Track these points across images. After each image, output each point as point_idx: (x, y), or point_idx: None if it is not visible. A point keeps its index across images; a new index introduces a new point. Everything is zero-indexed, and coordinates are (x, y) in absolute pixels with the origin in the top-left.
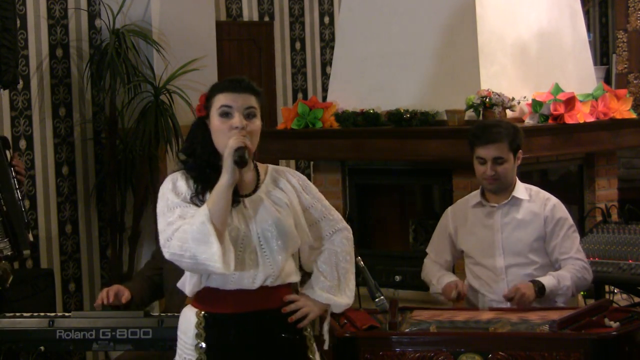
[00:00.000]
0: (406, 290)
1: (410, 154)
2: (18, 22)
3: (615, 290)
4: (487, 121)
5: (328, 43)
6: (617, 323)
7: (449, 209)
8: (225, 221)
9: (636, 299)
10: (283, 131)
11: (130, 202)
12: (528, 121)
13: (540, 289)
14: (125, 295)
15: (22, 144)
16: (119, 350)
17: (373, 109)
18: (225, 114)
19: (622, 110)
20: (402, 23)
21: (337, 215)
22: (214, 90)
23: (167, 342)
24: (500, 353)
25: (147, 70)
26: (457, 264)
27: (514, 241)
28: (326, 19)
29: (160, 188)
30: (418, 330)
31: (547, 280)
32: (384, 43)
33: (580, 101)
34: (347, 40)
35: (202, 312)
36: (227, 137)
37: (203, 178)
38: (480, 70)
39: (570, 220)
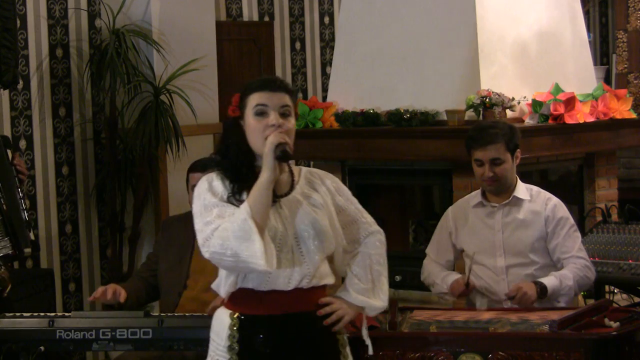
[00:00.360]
0: (406, 290)
1: (410, 154)
2: (18, 22)
3: (615, 290)
4: (483, 123)
5: (328, 43)
6: (617, 323)
7: (450, 209)
8: (266, 218)
9: (636, 299)
10: None
11: (130, 202)
12: (528, 121)
13: (542, 289)
14: (122, 294)
15: (22, 144)
16: (119, 350)
17: (373, 109)
18: (261, 113)
19: (622, 110)
20: (402, 23)
21: (370, 218)
22: (248, 89)
23: (167, 342)
24: (500, 353)
25: (147, 70)
26: (458, 265)
27: (514, 241)
28: (326, 19)
29: (196, 189)
30: (418, 331)
31: (549, 280)
32: (383, 43)
33: (580, 101)
34: (347, 41)
35: (236, 314)
36: (262, 136)
37: (239, 178)
38: (480, 70)
39: (572, 220)
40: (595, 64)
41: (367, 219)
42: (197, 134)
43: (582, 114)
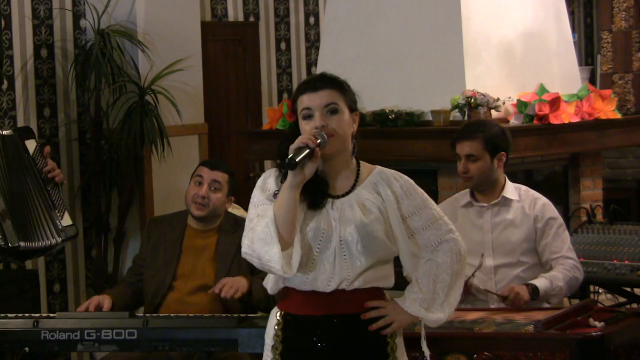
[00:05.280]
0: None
1: (396, 154)
2: (2, 22)
3: (600, 290)
4: (474, 120)
5: (313, 43)
6: (602, 323)
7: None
8: (292, 223)
9: (621, 299)
10: (268, 131)
11: (115, 202)
12: (513, 121)
13: (534, 290)
14: (106, 304)
15: None
16: (103, 351)
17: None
18: (308, 116)
19: (607, 110)
20: (388, 23)
21: (446, 226)
22: (296, 93)
23: (152, 342)
24: (486, 353)
25: (132, 70)
26: None
27: (503, 241)
28: (311, 20)
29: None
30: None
31: (540, 282)
32: (369, 43)
33: (565, 101)
34: (332, 41)
35: (282, 312)
36: None
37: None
38: (466, 70)
39: (560, 220)
40: (580, 64)
41: (441, 226)
42: (182, 135)
43: (567, 115)
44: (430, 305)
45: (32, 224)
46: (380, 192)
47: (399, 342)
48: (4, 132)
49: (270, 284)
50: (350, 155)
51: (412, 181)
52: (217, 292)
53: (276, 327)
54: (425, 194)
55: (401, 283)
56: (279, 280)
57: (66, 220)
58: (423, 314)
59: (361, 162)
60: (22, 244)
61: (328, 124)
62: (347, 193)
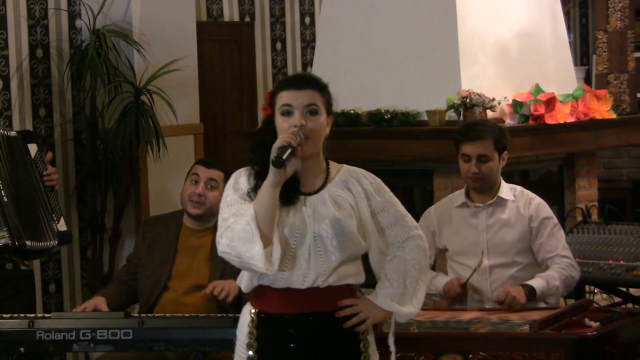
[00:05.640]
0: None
1: (391, 155)
2: None
3: (596, 290)
4: (474, 120)
5: (309, 43)
6: (598, 323)
7: (432, 208)
8: (272, 220)
9: (616, 299)
10: None
11: (110, 202)
12: (508, 121)
13: (530, 291)
14: (102, 308)
15: None
16: (99, 351)
17: (354, 110)
18: (287, 113)
19: (602, 110)
20: (383, 23)
21: (411, 222)
22: (278, 88)
23: (148, 342)
24: (481, 353)
25: (127, 70)
26: (439, 264)
27: (499, 241)
28: (307, 20)
29: (227, 182)
30: (399, 331)
31: (537, 282)
32: (364, 43)
33: (561, 101)
34: (328, 41)
35: (256, 310)
36: None
37: (264, 173)
38: (461, 70)
39: (555, 219)
40: (575, 64)
41: (407, 223)
42: (177, 135)
43: (563, 115)
44: (401, 299)
45: (37, 224)
46: (350, 188)
47: (371, 339)
48: (9, 133)
49: (244, 283)
50: (321, 156)
51: (379, 180)
52: (208, 293)
53: (250, 325)
54: (391, 192)
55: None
56: (254, 279)
57: (62, 226)
58: (396, 308)
59: (330, 161)
60: (28, 243)
61: (306, 124)
62: (319, 190)
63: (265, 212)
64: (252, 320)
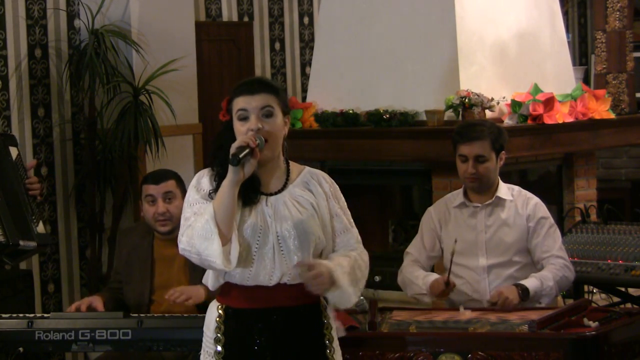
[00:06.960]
0: (385, 291)
1: (390, 155)
2: None
3: (594, 290)
4: (472, 120)
5: (307, 43)
6: (596, 323)
7: (431, 208)
8: (230, 219)
9: (615, 299)
10: None
11: (109, 202)
12: (507, 121)
13: (523, 291)
14: (99, 305)
15: None
16: (98, 351)
17: (352, 110)
18: (244, 118)
19: (601, 110)
20: (382, 23)
21: (357, 235)
22: (233, 94)
23: (147, 342)
24: (480, 353)
25: (126, 70)
26: (437, 264)
27: (497, 241)
28: (306, 20)
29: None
30: (397, 331)
31: (530, 282)
32: (363, 43)
33: (559, 101)
34: (327, 41)
35: (223, 306)
36: None
37: (225, 175)
38: (460, 70)
39: (551, 220)
40: (574, 64)
41: (354, 234)
42: (176, 135)
43: (561, 115)
44: (350, 279)
45: (25, 224)
46: (312, 189)
47: (334, 333)
48: None
49: (210, 281)
50: (281, 156)
51: (337, 186)
52: (171, 300)
53: (218, 320)
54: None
55: None
56: (220, 277)
57: (40, 229)
58: (343, 282)
59: (290, 162)
60: (21, 242)
61: (263, 126)
62: (280, 190)
63: (224, 211)
64: (219, 316)
